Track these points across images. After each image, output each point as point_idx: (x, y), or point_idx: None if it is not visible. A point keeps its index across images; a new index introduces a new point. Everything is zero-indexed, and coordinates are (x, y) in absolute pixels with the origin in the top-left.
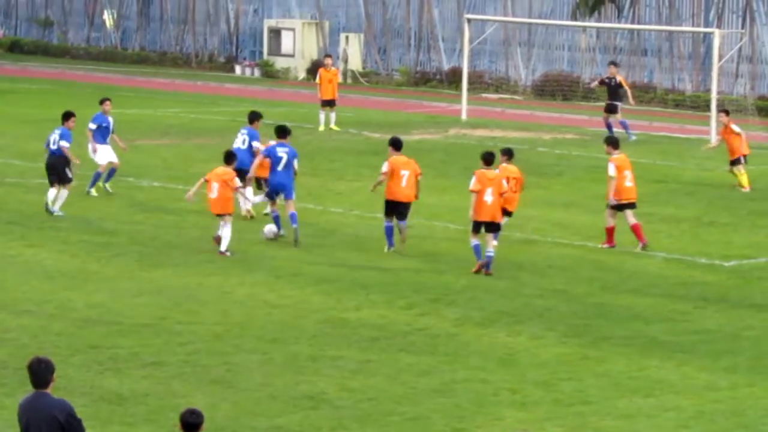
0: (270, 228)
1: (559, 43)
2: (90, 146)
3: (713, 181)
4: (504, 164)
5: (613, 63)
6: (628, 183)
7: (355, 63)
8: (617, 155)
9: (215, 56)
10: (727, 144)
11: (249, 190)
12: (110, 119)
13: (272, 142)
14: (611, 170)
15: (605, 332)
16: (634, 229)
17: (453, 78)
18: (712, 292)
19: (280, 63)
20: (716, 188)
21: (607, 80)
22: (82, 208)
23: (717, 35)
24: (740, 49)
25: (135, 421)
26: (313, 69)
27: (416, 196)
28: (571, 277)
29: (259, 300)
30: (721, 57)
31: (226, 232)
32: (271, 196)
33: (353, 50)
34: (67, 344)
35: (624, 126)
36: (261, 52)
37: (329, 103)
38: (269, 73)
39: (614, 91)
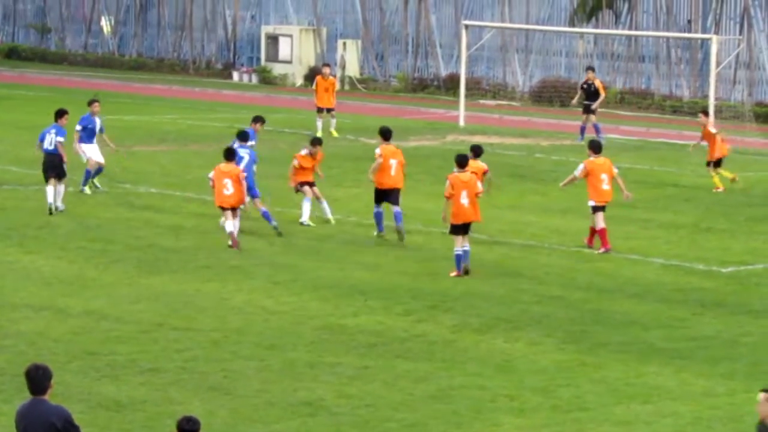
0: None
1: (557, 50)
2: (74, 146)
3: (711, 187)
4: (471, 161)
5: (591, 68)
6: (605, 186)
7: (353, 69)
8: (594, 158)
9: (213, 63)
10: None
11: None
12: (97, 120)
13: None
14: (578, 170)
15: (603, 338)
16: (600, 233)
17: (450, 84)
18: (710, 298)
19: (277, 69)
20: (714, 194)
21: (585, 85)
22: (79, 214)
23: (714, 41)
24: (738, 56)
25: (132, 428)
26: (311, 75)
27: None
28: (568, 284)
29: (256, 306)
30: (718, 63)
31: (237, 223)
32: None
33: (351, 57)
34: (64, 351)
35: (596, 129)
36: (258, 59)
37: (326, 110)
38: (267, 80)
39: (592, 95)
